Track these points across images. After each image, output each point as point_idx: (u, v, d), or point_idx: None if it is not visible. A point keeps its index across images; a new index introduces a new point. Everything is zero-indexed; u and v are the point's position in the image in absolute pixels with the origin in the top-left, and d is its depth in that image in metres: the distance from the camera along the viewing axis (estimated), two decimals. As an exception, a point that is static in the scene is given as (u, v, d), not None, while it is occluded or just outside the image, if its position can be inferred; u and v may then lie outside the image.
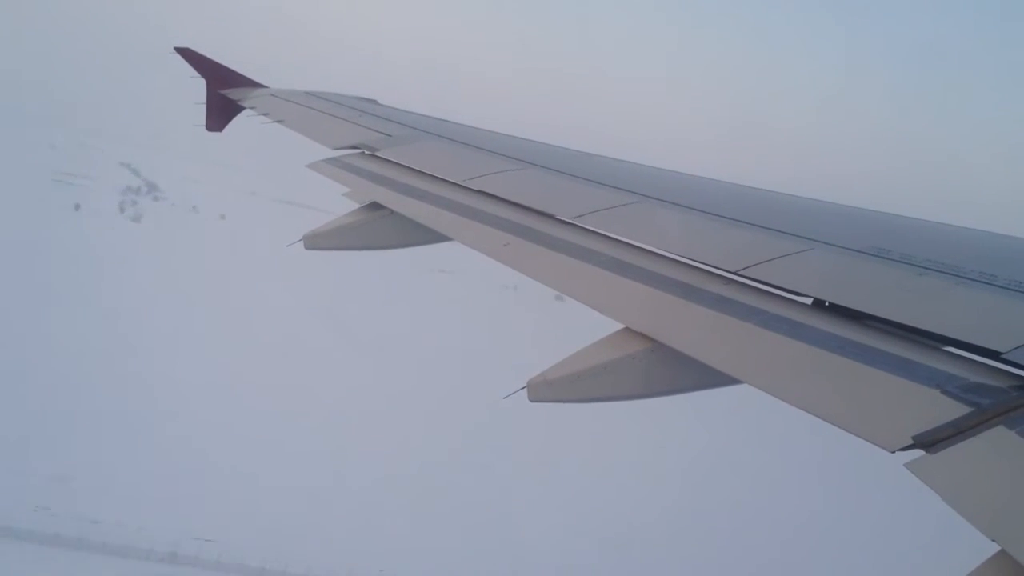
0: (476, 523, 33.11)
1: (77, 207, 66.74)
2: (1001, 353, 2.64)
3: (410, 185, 5.98)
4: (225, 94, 10.70)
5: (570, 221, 4.73)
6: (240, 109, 10.47)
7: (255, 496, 32.01)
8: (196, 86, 10.88)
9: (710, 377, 3.24)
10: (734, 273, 3.64)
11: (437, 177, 5.99)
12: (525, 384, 3.50)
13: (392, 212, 5.70)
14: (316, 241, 5.89)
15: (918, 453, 2.30)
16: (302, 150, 7.63)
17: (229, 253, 62.85)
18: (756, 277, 3.55)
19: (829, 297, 3.30)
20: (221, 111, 10.78)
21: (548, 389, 3.47)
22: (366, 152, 7.06)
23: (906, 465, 2.25)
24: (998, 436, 2.27)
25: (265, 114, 9.36)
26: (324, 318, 51.47)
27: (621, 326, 3.56)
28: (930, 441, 2.31)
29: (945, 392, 2.51)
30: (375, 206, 5.90)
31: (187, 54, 10.81)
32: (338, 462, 35.69)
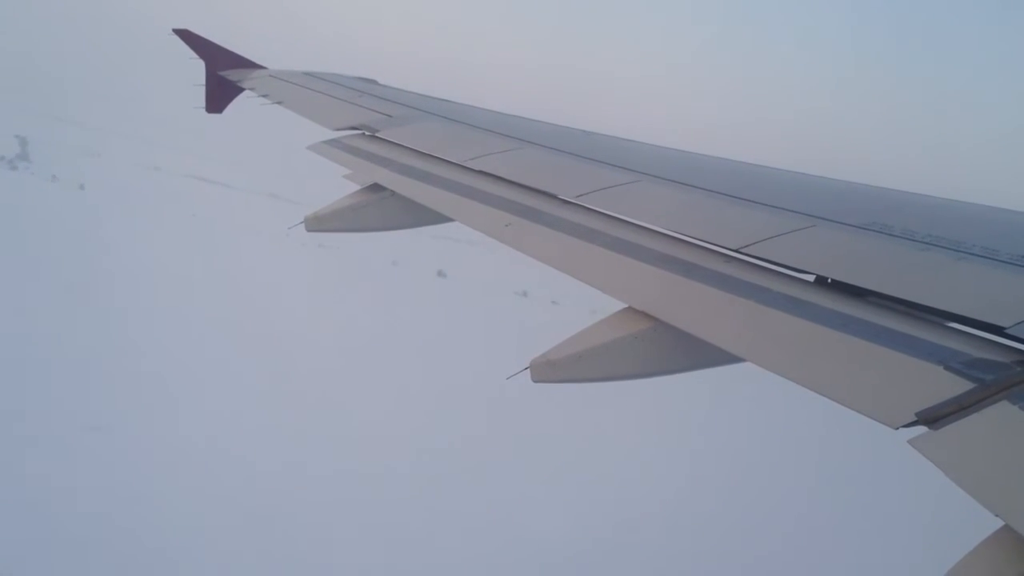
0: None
1: None
2: (1004, 328, 2.63)
3: (411, 166, 5.98)
4: (224, 75, 10.66)
5: (572, 201, 4.72)
6: (239, 91, 10.43)
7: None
8: (194, 68, 10.84)
9: (712, 356, 3.24)
10: (736, 251, 3.63)
11: (438, 157, 5.98)
12: (528, 365, 3.51)
13: (393, 193, 5.70)
14: (317, 223, 5.89)
15: (921, 429, 2.30)
16: (301, 131, 7.63)
17: (60, 222, 57.85)
18: (758, 255, 3.55)
19: (831, 274, 3.30)
20: (220, 93, 10.75)
21: (551, 369, 3.47)
22: (366, 133, 7.04)
23: (909, 442, 2.25)
24: (1001, 411, 2.27)
25: (264, 95, 9.33)
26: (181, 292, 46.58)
27: (623, 305, 3.57)
28: (933, 417, 2.31)
29: (948, 368, 2.51)
30: (376, 187, 5.89)
31: (186, 35, 10.76)
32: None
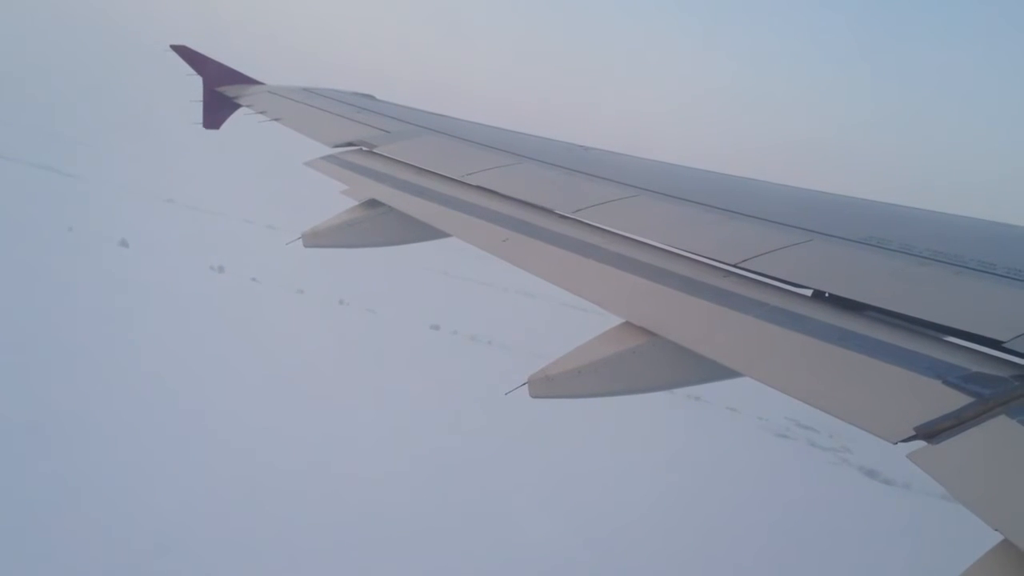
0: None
1: None
2: (1002, 342, 2.64)
3: (408, 181, 5.99)
4: (221, 91, 10.66)
5: (569, 216, 4.73)
6: (237, 107, 10.43)
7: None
8: (192, 84, 10.86)
9: (710, 370, 3.24)
10: (734, 266, 3.64)
11: (435, 173, 5.99)
12: (526, 380, 3.50)
13: (391, 209, 5.70)
14: (315, 239, 5.89)
15: (920, 444, 2.30)
16: (299, 147, 7.65)
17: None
18: (755, 269, 3.55)
19: (829, 288, 3.30)
20: (218, 109, 10.75)
21: (549, 385, 3.47)
22: (364, 149, 7.06)
23: (909, 456, 2.25)
24: (1000, 425, 2.27)
25: (262, 111, 9.33)
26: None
27: (621, 320, 3.56)
28: (932, 431, 2.31)
29: (946, 382, 2.51)
30: (373, 203, 5.90)
31: (183, 52, 10.77)
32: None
